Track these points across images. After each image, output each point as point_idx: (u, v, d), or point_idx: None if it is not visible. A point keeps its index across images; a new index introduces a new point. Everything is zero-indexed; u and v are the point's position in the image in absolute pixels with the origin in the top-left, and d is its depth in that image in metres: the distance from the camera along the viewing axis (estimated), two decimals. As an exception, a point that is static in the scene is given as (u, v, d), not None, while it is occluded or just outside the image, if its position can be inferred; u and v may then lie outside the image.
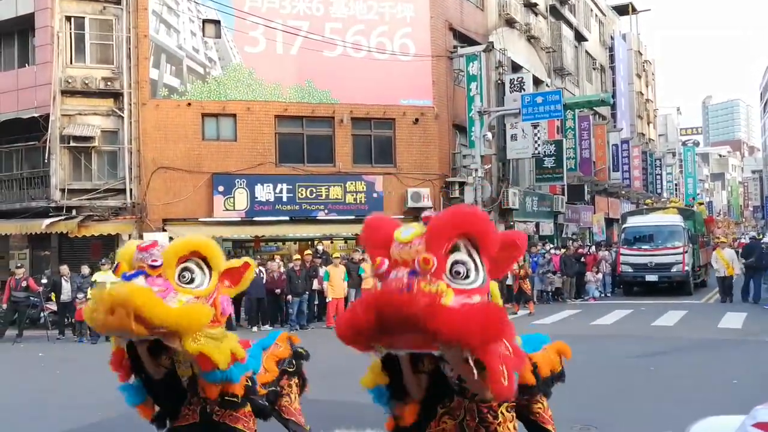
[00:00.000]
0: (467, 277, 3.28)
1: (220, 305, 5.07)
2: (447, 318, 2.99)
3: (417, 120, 28.96)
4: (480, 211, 3.49)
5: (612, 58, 58.33)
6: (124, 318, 4.37)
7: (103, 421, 10.05)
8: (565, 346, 4.73)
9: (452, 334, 2.99)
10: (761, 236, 46.42)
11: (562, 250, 29.65)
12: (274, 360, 6.23)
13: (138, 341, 4.82)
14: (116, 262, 4.89)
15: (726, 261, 25.61)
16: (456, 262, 3.32)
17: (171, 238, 24.75)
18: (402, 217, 27.98)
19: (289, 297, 21.94)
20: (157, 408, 5.28)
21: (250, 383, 5.37)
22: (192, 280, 4.88)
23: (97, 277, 20.63)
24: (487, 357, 3.12)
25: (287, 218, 27.19)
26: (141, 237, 25.18)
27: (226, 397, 5.15)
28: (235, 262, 5.34)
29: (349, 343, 3.27)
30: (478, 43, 31.97)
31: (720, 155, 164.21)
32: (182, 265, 4.90)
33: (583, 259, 29.14)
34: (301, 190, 27.07)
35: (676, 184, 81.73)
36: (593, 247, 33.23)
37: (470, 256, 3.34)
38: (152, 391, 5.16)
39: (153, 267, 4.68)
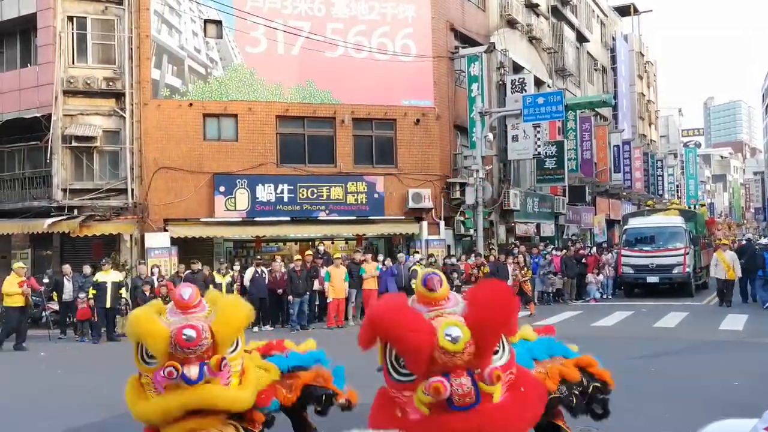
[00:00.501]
0: (502, 353, 3.30)
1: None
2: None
3: (418, 121, 28.97)
4: (510, 295, 3.46)
5: (613, 59, 58.33)
6: (213, 421, 4.51)
7: (105, 420, 10.07)
8: (589, 359, 4.70)
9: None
10: (761, 237, 46.46)
11: (563, 252, 29.60)
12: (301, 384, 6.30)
13: None
14: (158, 361, 4.77)
15: (727, 264, 24.77)
16: None
17: (172, 238, 24.91)
18: (403, 217, 28.10)
19: (290, 297, 21.95)
20: None
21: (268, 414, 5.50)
22: (235, 347, 4.99)
23: (99, 277, 20.66)
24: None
25: (288, 219, 27.20)
26: (142, 237, 25.25)
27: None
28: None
29: None
30: (480, 44, 32.00)
31: (722, 157, 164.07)
32: None
33: (584, 261, 29.11)
34: (302, 190, 27.08)
35: (677, 186, 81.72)
36: (594, 249, 33.15)
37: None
38: None
39: (216, 371, 4.69)
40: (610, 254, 30.99)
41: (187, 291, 4.97)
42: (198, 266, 22.23)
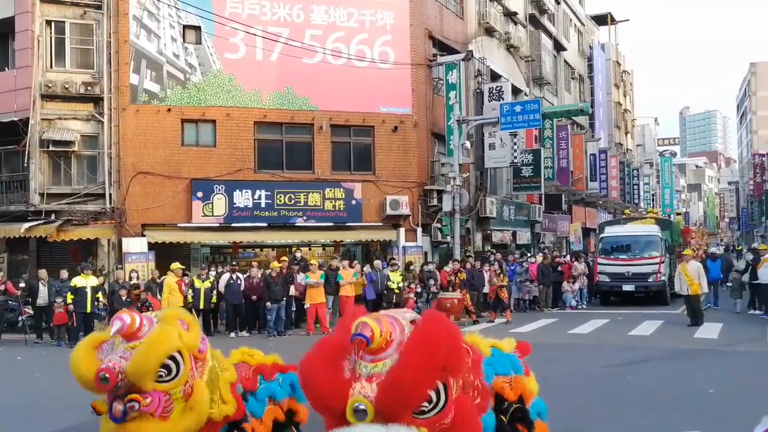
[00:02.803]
0: (434, 407, 3.26)
1: (199, 354, 5.13)
2: None
3: (396, 128, 29.05)
4: (453, 339, 3.38)
5: (591, 67, 58.70)
6: None
7: (82, 423, 10.07)
8: (520, 383, 4.73)
9: None
10: (739, 247, 46.95)
11: (539, 259, 29.64)
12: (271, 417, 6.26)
13: None
14: (91, 406, 4.81)
15: (690, 277, 22.56)
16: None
17: (149, 243, 24.88)
18: (381, 224, 28.18)
19: (268, 303, 21.97)
20: None
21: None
22: (169, 371, 4.82)
23: (77, 281, 20.63)
24: None
25: (266, 224, 27.22)
26: (120, 242, 25.20)
27: None
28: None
29: None
30: (458, 52, 32.12)
31: (697, 166, 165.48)
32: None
33: (560, 268, 29.24)
34: (280, 196, 27.10)
35: (653, 195, 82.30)
36: (569, 257, 33.28)
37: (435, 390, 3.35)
38: None
39: (132, 411, 4.64)
40: (583, 264, 30.86)
41: (116, 325, 4.90)
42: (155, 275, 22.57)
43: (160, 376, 4.73)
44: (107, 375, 4.56)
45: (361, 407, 3.19)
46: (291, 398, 6.53)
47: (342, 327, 3.72)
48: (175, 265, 21.89)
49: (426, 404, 3.22)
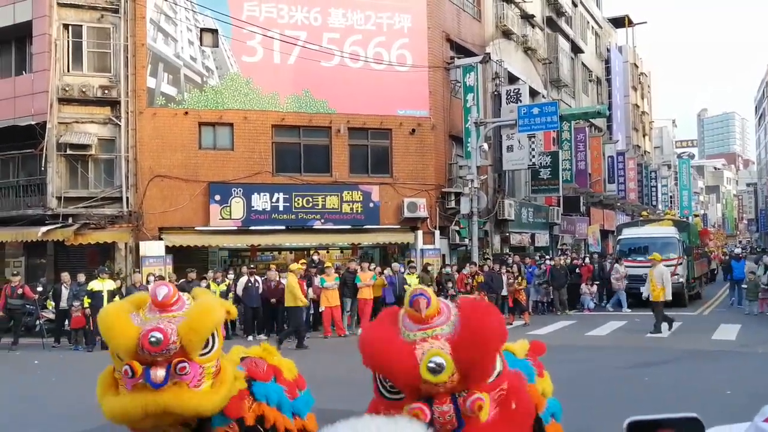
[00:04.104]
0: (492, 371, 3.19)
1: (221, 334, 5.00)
2: None
3: (413, 130, 28.97)
4: (501, 322, 3.32)
5: (608, 70, 58.50)
6: (176, 420, 4.33)
7: (96, 428, 10.02)
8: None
9: None
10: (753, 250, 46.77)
11: (552, 261, 29.40)
12: None
13: None
14: (126, 364, 4.35)
15: (653, 282, 21.45)
16: None
17: (167, 247, 24.88)
18: (398, 226, 28.09)
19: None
20: None
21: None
22: (207, 345, 4.60)
23: (94, 285, 20.61)
24: None
25: (283, 227, 27.16)
26: (137, 245, 25.20)
27: None
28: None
29: None
30: (475, 54, 32.02)
31: (715, 168, 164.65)
32: None
33: (577, 270, 29.09)
34: (298, 199, 27.06)
35: (671, 197, 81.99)
36: (587, 258, 33.09)
37: None
38: None
39: (181, 375, 4.33)
40: (623, 267, 29.78)
41: (162, 291, 4.77)
42: (194, 275, 22.26)
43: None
44: (161, 336, 4.37)
45: (439, 360, 3.06)
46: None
47: (377, 320, 3.63)
48: (295, 265, 21.73)
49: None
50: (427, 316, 3.23)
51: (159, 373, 4.23)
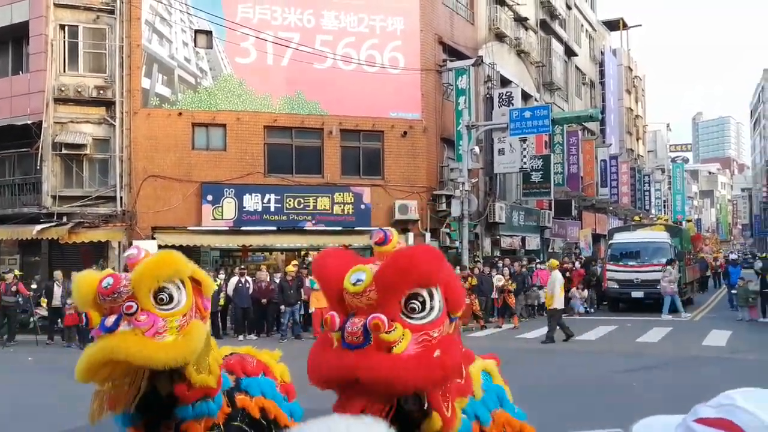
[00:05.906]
0: (423, 310, 3.29)
1: (202, 306, 5.01)
2: (384, 374, 2.92)
3: (405, 133, 29.16)
4: (434, 255, 3.39)
5: (602, 73, 58.70)
6: (128, 371, 4.28)
7: (86, 426, 10.20)
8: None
9: (387, 388, 2.96)
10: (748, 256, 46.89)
11: (543, 266, 29.53)
12: None
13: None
14: (82, 313, 4.50)
15: (546, 290, 21.59)
16: (411, 298, 3.21)
17: (160, 246, 25.00)
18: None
19: (282, 307, 22.10)
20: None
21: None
22: (171, 299, 4.57)
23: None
24: (429, 399, 3.13)
25: (275, 228, 27.34)
26: (130, 244, 25.34)
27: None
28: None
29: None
30: (468, 57, 32.18)
31: (709, 172, 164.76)
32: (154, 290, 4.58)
33: (568, 275, 29.24)
34: (289, 200, 27.25)
35: (664, 201, 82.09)
36: (577, 263, 33.23)
37: (428, 291, 3.25)
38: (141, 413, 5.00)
39: (129, 314, 4.28)
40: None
41: (129, 251, 4.84)
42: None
43: (161, 299, 4.46)
44: (111, 279, 4.43)
45: (361, 275, 3.23)
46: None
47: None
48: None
49: (417, 302, 3.25)
50: (387, 251, 3.43)
51: (111, 318, 4.33)
